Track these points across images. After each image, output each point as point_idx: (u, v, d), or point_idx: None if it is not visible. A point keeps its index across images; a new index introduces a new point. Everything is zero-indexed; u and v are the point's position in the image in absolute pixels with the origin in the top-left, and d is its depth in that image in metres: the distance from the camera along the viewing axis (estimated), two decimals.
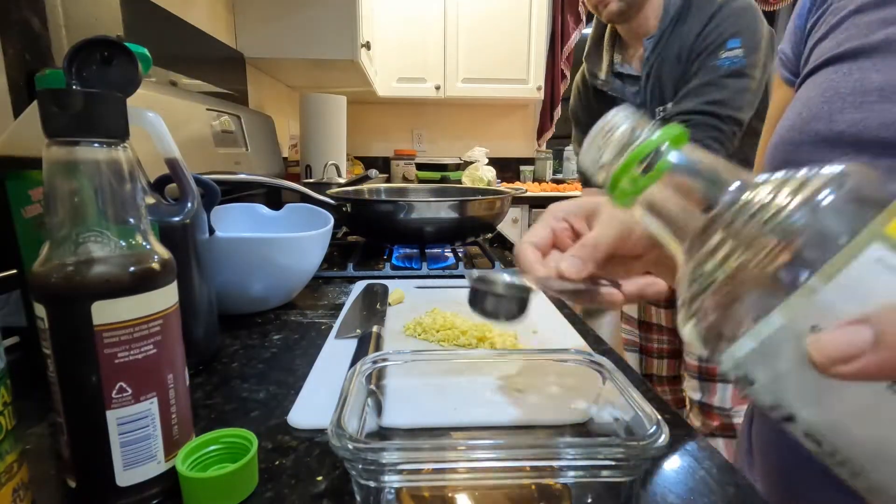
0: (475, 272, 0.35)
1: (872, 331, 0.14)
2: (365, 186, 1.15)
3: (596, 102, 1.24)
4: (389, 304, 0.61)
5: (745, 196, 0.20)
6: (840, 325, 0.15)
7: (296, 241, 0.57)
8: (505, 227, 1.73)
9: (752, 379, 0.19)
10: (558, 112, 2.79)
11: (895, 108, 0.35)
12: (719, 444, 1.08)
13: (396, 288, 0.66)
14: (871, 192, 0.17)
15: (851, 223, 0.16)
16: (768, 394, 0.18)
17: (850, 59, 0.40)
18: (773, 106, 0.53)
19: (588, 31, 2.85)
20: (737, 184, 0.21)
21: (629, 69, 1.15)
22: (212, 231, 0.51)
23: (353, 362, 0.44)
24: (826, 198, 0.17)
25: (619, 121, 0.25)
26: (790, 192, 0.18)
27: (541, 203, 2.26)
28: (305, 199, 0.81)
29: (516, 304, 0.34)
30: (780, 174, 0.20)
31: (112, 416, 0.26)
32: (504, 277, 0.35)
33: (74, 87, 0.27)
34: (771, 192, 0.19)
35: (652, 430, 0.25)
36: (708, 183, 0.22)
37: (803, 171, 0.19)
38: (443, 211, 0.84)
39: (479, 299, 0.34)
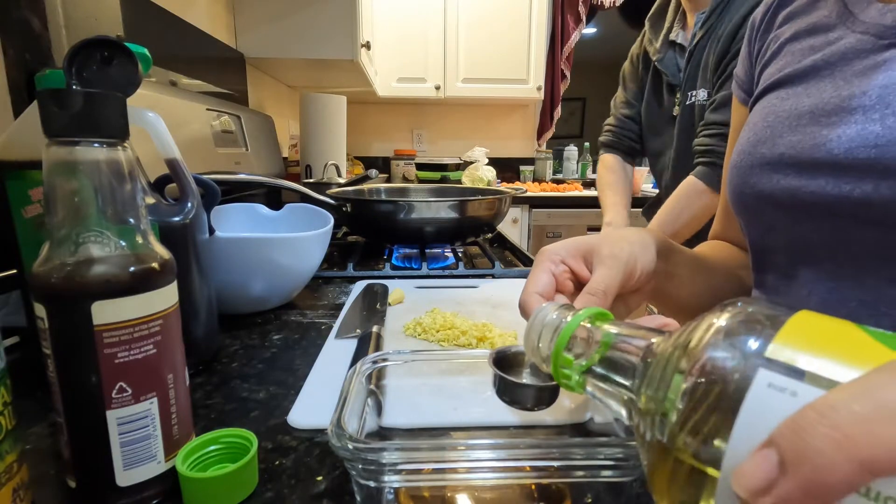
0: (493, 353, 0.32)
1: (776, 453, 0.14)
2: (365, 186, 1.15)
3: (643, 72, 1.24)
4: (389, 304, 0.61)
5: (649, 370, 0.21)
6: (753, 453, 0.15)
7: (296, 240, 0.57)
8: (505, 227, 1.74)
9: None
10: (558, 112, 2.79)
11: (823, 129, 0.38)
12: None
13: (396, 288, 0.66)
14: (754, 323, 0.18)
15: (739, 362, 0.17)
16: None
17: (787, 85, 0.43)
18: (733, 127, 0.55)
19: (588, 31, 2.82)
20: (642, 357, 0.22)
21: (682, 39, 1.14)
22: (212, 231, 0.51)
23: (353, 362, 0.44)
24: (708, 351, 0.18)
25: (546, 311, 0.27)
26: (675, 364, 0.19)
27: (541, 203, 2.27)
28: (305, 199, 0.81)
29: (546, 392, 0.30)
30: (674, 337, 0.21)
31: (112, 416, 0.26)
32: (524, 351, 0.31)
33: (74, 87, 0.27)
34: (662, 364, 0.20)
35: None
36: (629, 358, 0.23)
37: (689, 329, 0.20)
38: (443, 211, 0.84)
39: (504, 389, 0.31)
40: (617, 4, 2.67)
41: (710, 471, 0.17)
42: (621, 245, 0.36)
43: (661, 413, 0.19)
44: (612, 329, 0.25)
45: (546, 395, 0.30)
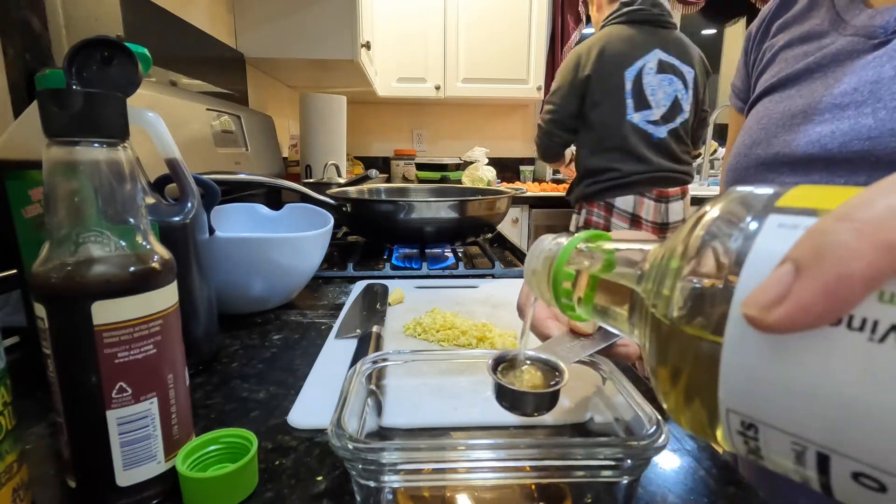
0: (493, 358, 0.31)
1: (792, 263, 0.13)
2: (365, 186, 1.15)
3: None
4: (389, 304, 0.61)
5: (654, 265, 0.20)
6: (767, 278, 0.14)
7: (296, 240, 0.57)
8: (505, 228, 1.74)
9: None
10: None
11: (817, 127, 0.39)
12: None
13: (396, 288, 0.66)
14: (757, 195, 0.17)
15: (747, 215, 0.16)
16: (741, 413, 0.16)
17: (781, 89, 0.45)
18: (730, 133, 0.58)
19: (588, 31, 2.83)
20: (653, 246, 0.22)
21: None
22: (212, 231, 0.51)
23: (353, 362, 0.44)
24: (716, 212, 0.18)
25: (544, 241, 0.28)
26: (688, 231, 0.18)
27: (541, 203, 2.27)
28: (305, 199, 0.81)
29: (545, 398, 0.30)
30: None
31: (112, 416, 0.26)
32: (524, 357, 0.32)
33: (74, 87, 0.27)
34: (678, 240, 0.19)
35: (652, 430, 0.25)
36: (636, 258, 0.23)
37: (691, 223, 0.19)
38: (443, 211, 0.84)
39: (504, 395, 0.31)
40: None
41: (720, 339, 0.16)
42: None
43: (665, 292, 0.18)
44: (610, 245, 0.25)
45: (545, 401, 0.30)
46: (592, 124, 1.58)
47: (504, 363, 0.32)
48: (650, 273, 0.20)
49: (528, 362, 0.32)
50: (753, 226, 0.16)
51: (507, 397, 0.30)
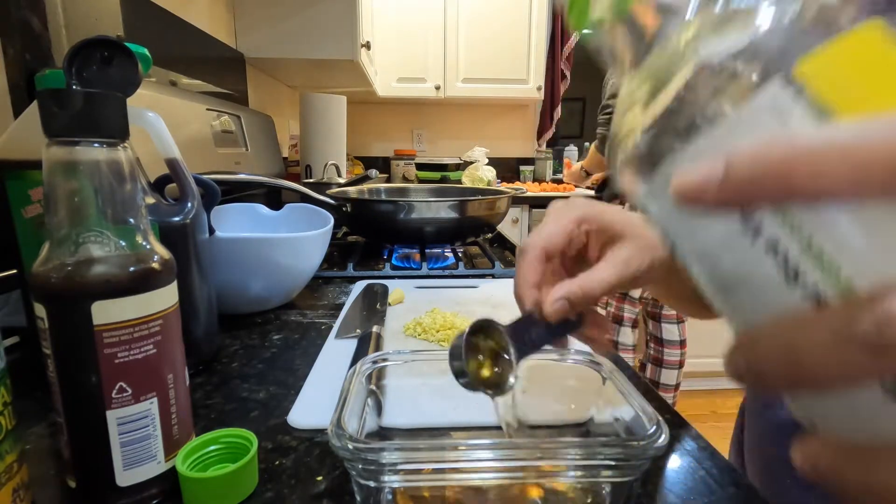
0: (473, 323, 0.31)
1: (724, 167, 0.13)
2: (365, 186, 1.15)
3: None
4: (389, 304, 0.61)
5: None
6: (708, 159, 0.14)
7: (296, 240, 0.57)
8: (505, 228, 1.74)
9: (650, 212, 0.18)
10: (558, 112, 2.79)
11: None
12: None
13: (396, 288, 0.66)
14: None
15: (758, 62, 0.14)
16: (659, 226, 0.18)
17: None
18: None
19: (588, 31, 2.83)
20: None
21: None
22: (212, 231, 0.51)
23: (353, 362, 0.44)
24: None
25: None
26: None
27: (541, 203, 2.26)
28: (305, 199, 0.81)
29: (496, 379, 0.29)
30: None
31: (112, 416, 0.26)
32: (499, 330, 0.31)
33: (74, 87, 0.27)
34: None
35: (652, 430, 0.25)
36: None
37: None
38: (443, 211, 0.84)
39: (454, 368, 0.30)
40: None
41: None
42: (643, 227, 0.33)
43: (628, 120, 0.18)
44: None
45: (498, 382, 0.30)
46: None
47: (480, 331, 0.31)
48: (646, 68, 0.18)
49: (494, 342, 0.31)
50: (746, 81, 0.14)
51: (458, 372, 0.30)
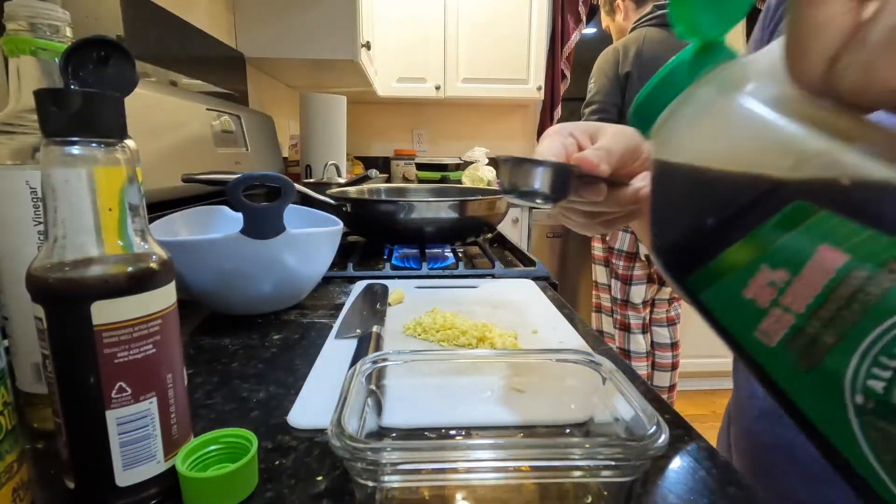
0: (503, 156, 0.31)
1: None
2: (365, 186, 1.15)
3: None
4: (389, 304, 0.61)
5: None
6: None
7: (305, 237, 0.57)
8: (505, 227, 1.74)
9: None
10: (558, 112, 2.79)
11: None
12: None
13: (396, 288, 0.66)
14: None
15: None
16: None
17: None
18: None
19: (588, 31, 2.83)
20: None
21: None
22: (283, 229, 0.53)
23: (353, 362, 0.44)
24: None
25: None
26: None
27: None
28: (306, 199, 0.81)
29: (555, 176, 0.29)
30: None
31: (111, 416, 0.26)
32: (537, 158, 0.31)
33: (72, 86, 0.27)
34: None
35: (652, 430, 0.25)
36: None
37: None
38: (443, 211, 0.84)
39: (514, 174, 0.29)
40: None
41: None
42: (626, 127, 0.37)
43: None
44: None
45: (557, 181, 0.29)
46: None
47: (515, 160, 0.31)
48: None
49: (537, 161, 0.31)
50: None
51: (514, 176, 0.29)
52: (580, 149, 0.37)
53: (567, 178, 0.30)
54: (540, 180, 0.29)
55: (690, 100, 0.21)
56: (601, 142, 0.36)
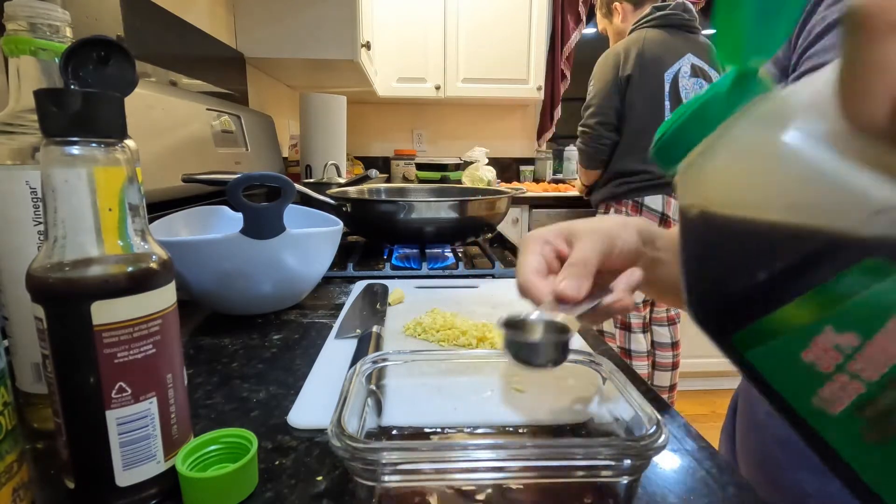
0: (503, 318, 0.32)
1: None
2: (365, 186, 1.14)
3: None
4: (389, 304, 0.61)
5: None
6: None
7: (305, 237, 0.57)
8: (505, 228, 1.74)
9: None
10: (558, 112, 2.79)
11: None
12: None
13: (396, 288, 0.66)
14: None
15: None
16: None
17: None
18: None
19: (588, 31, 2.82)
20: None
21: None
22: (282, 229, 0.53)
23: (353, 362, 0.44)
24: None
25: None
26: None
27: (541, 203, 2.27)
28: (306, 199, 0.81)
29: (555, 349, 0.31)
30: None
31: (111, 416, 0.26)
32: (533, 318, 0.32)
33: (72, 86, 0.27)
34: None
35: (652, 430, 0.25)
36: None
37: None
38: (443, 211, 0.84)
39: (514, 347, 0.31)
40: None
41: None
42: (600, 223, 0.38)
43: None
44: None
45: (556, 351, 0.30)
46: (627, 126, 1.59)
47: (513, 323, 0.32)
48: None
49: (536, 319, 0.32)
50: None
51: (520, 349, 0.31)
52: (558, 254, 0.38)
53: (566, 345, 0.31)
54: (544, 356, 0.31)
55: (730, 138, 0.19)
56: (576, 252, 0.36)
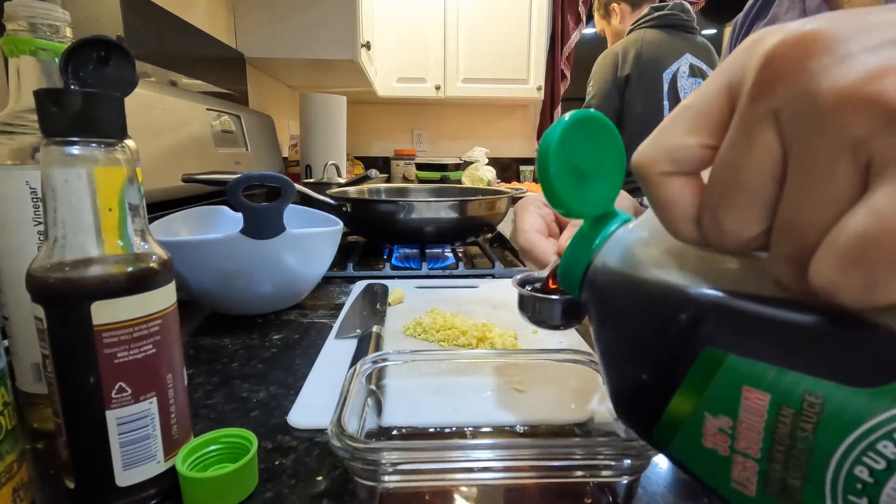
0: (517, 277, 0.32)
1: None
2: (365, 186, 1.14)
3: None
4: (389, 304, 0.61)
5: None
6: None
7: (305, 237, 0.57)
8: (505, 227, 1.74)
9: None
10: (558, 112, 2.79)
11: None
12: None
13: (396, 288, 0.66)
14: None
15: None
16: None
17: None
18: None
19: (588, 31, 2.83)
20: None
21: None
22: (282, 229, 0.53)
23: (353, 362, 0.44)
24: None
25: None
26: None
27: None
28: (306, 199, 0.81)
29: (569, 309, 0.30)
30: None
31: (111, 416, 0.26)
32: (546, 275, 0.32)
33: (72, 86, 0.27)
34: None
35: None
36: None
37: None
38: (443, 211, 0.84)
39: (529, 307, 0.31)
40: None
41: None
42: None
43: None
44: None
45: (571, 312, 0.30)
46: (626, 126, 1.59)
47: (528, 282, 0.32)
48: None
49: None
50: None
51: (535, 309, 0.31)
52: (556, 218, 0.39)
53: (579, 306, 0.31)
54: (559, 316, 0.31)
55: (597, 272, 0.22)
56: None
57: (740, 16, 0.53)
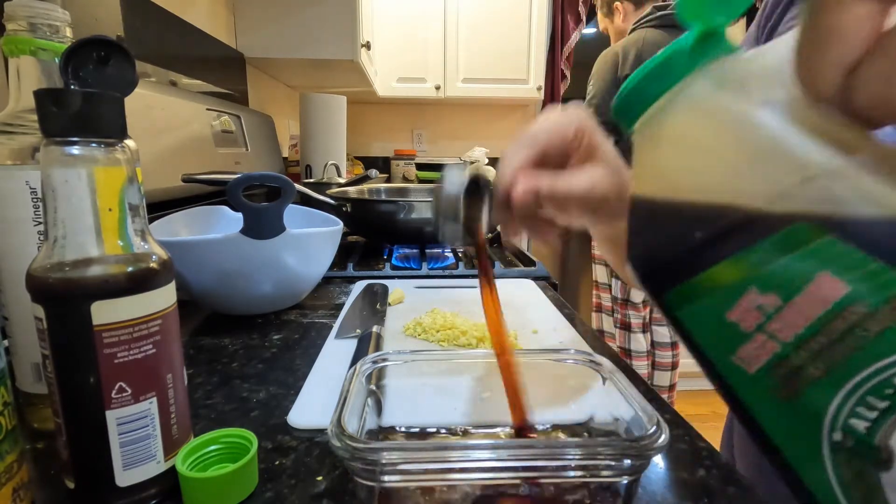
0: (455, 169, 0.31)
1: None
2: (365, 186, 1.14)
3: None
4: (389, 304, 0.61)
5: None
6: None
7: (305, 237, 0.57)
8: None
9: None
10: None
11: None
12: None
13: (396, 288, 0.66)
14: None
15: None
16: None
17: None
18: None
19: (588, 31, 2.83)
20: None
21: None
22: (282, 229, 0.53)
23: (353, 362, 0.44)
24: None
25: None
26: None
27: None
28: (306, 199, 0.81)
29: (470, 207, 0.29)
30: None
31: (111, 416, 0.26)
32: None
33: (72, 86, 0.27)
34: None
35: (652, 430, 0.25)
36: None
37: None
38: None
39: (434, 196, 0.30)
40: None
41: None
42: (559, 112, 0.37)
43: None
44: None
45: (475, 215, 0.30)
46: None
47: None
48: None
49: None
50: None
51: (438, 198, 0.30)
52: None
53: (478, 213, 0.30)
54: (461, 211, 0.29)
55: (686, 96, 0.19)
56: (575, 178, 0.34)
57: (763, 12, 0.50)
